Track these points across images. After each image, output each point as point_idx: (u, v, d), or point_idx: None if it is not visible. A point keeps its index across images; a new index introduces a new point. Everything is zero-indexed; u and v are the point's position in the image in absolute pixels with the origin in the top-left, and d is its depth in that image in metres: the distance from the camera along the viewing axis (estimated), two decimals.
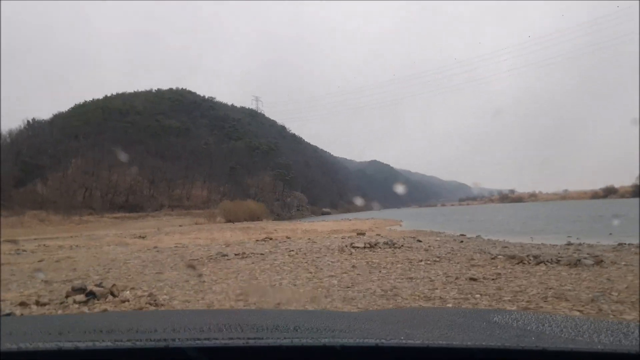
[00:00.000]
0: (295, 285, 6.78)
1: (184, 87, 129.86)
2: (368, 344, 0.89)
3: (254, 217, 56.04)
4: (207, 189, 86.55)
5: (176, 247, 15.38)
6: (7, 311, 5.24)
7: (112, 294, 5.96)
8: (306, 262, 9.24)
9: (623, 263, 7.39)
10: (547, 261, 7.73)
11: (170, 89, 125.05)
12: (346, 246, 11.67)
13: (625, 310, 4.40)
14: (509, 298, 5.23)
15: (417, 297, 5.52)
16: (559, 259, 7.88)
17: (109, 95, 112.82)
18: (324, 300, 5.55)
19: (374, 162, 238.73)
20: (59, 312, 5.32)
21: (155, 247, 15.39)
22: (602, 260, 7.53)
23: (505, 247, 11.37)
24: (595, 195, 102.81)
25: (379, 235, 17.18)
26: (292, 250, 11.73)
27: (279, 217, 70.59)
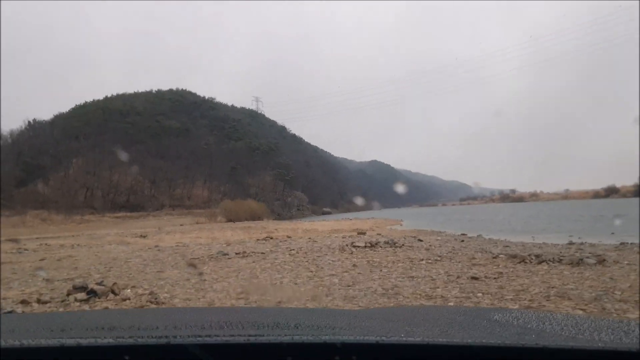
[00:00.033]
0: (296, 283, 6.77)
1: (184, 88, 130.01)
2: (368, 341, 0.89)
3: (254, 217, 56.03)
4: (208, 189, 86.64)
5: (177, 246, 15.38)
6: (9, 309, 5.24)
7: (113, 292, 5.96)
8: (307, 261, 9.23)
9: (626, 262, 7.37)
10: (549, 260, 7.71)
11: (171, 90, 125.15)
12: (347, 245, 11.65)
13: (628, 309, 4.38)
14: (511, 297, 5.21)
15: (419, 296, 5.51)
16: (561, 258, 7.86)
17: (109, 95, 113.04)
18: (325, 299, 5.54)
19: (374, 162, 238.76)
20: (60, 310, 5.32)
21: (156, 246, 15.39)
22: (604, 260, 7.51)
23: (507, 246, 11.35)
24: (596, 195, 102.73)
25: (379, 234, 17.16)
26: (293, 249, 11.72)
27: (279, 217, 70.60)
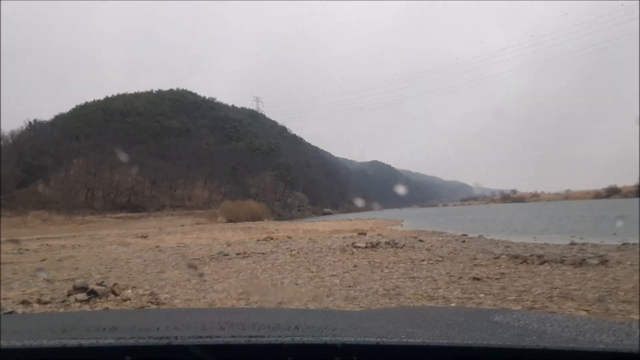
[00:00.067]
0: (296, 284, 6.75)
1: (184, 88, 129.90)
2: (369, 343, 0.90)
3: (255, 217, 56.02)
4: (209, 189, 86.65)
5: (178, 246, 15.37)
6: (9, 309, 5.22)
7: (114, 292, 5.94)
8: (308, 262, 9.21)
9: (628, 263, 7.33)
10: (552, 261, 7.67)
11: (171, 90, 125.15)
12: (348, 246, 11.63)
13: (632, 310, 4.35)
14: (513, 298, 5.18)
15: (420, 297, 5.48)
16: (563, 258, 7.83)
17: (109, 96, 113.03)
18: (326, 300, 5.52)
19: (374, 163, 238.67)
20: (61, 310, 5.30)
21: (157, 247, 15.38)
22: (607, 260, 7.48)
23: (508, 246, 11.31)
24: (597, 195, 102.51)
25: (380, 235, 17.14)
26: (294, 250, 11.69)
27: (280, 217, 70.60)
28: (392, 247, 11.17)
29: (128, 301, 5.70)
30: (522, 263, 7.81)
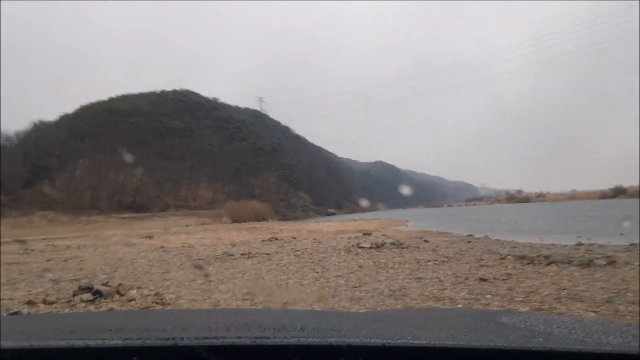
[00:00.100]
0: (301, 285, 6.73)
1: (187, 88, 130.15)
2: (375, 344, 0.90)
3: (259, 218, 56.11)
4: (212, 190, 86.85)
5: (183, 247, 15.40)
6: (15, 309, 5.24)
7: (119, 293, 5.95)
8: (312, 262, 9.18)
9: (637, 263, 7.23)
10: (559, 261, 7.60)
11: (174, 90, 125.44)
12: (352, 246, 11.60)
13: None
14: (521, 299, 5.13)
15: (426, 298, 5.44)
16: (571, 259, 7.75)
17: (113, 96, 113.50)
18: (331, 300, 5.48)
19: (378, 163, 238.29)
20: (66, 310, 5.31)
21: (162, 247, 15.42)
22: (614, 261, 7.39)
23: (514, 247, 11.22)
24: (604, 195, 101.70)
25: (385, 235, 17.08)
26: (298, 250, 11.68)
27: (284, 218, 70.62)
28: (397, 248, 11.12)
29: (133, 301, 5.70)
30: (528, 264, 7.74)
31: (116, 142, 75.60)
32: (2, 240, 20.93)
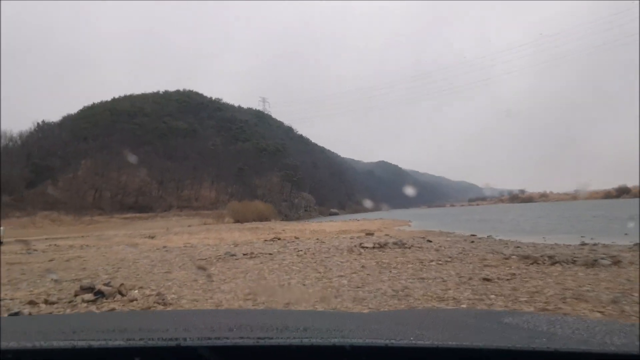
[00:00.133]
0: (304, 285, 6.70)
1: (190, 89, 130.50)
2: (378, 344, 0.90)
3: (262, 218, 56.14)
4: (215, 190, 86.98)
5: (185, 247, 15.41)
6: (16, 310, 5.23)
7: (121, 293, 5.93)
8: (315, 262, 9.15)
9: None
10: (563, 261, 7.54)
11: (178, 91, 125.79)
12: (355, 246, 11.56)
13: None
14: (525, 299, 5.08)
15: (430, 298, 5.40)
16: (575, 259, 7.70)
17: (116, 97, 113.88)
18: (334, 300, 5.45)
19: (381, 163, 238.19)
20: (68, 310, 5.29)
21: (164, 247, 15.43)
22: (619, 261, 7.33)
23: (518, 247, 11.17)
24: (607, 195, 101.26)
25: (387, 235, 17.03)
26: (301, 250, 11.65)
27: (286, 218, 70.65)
28: (400, 248, 11.08)
29: (135, 302, 5.68)
30: (532, 264, 7.68)
31: (119, 143, 75.90)
32: (5, 240, 21.01)
